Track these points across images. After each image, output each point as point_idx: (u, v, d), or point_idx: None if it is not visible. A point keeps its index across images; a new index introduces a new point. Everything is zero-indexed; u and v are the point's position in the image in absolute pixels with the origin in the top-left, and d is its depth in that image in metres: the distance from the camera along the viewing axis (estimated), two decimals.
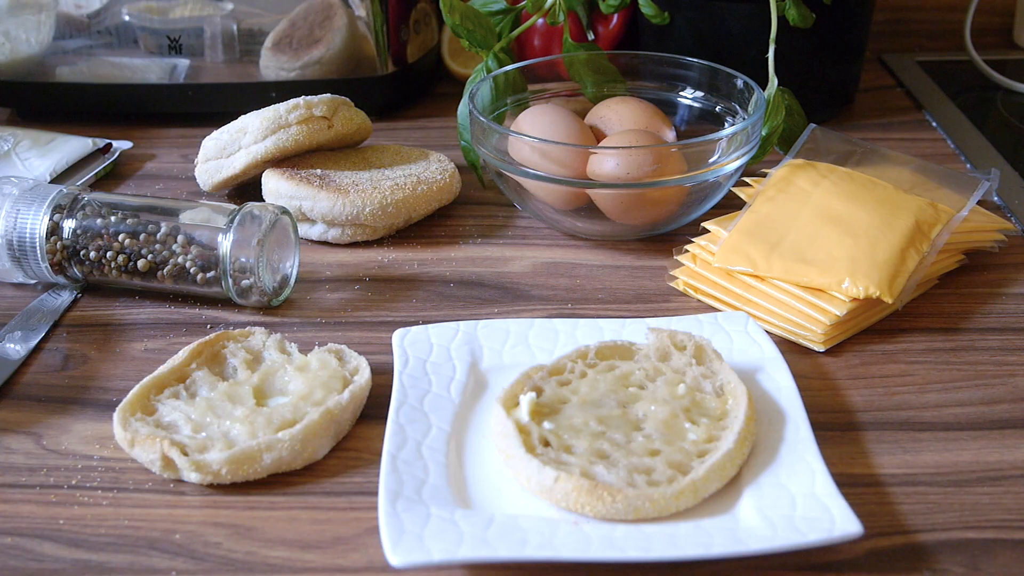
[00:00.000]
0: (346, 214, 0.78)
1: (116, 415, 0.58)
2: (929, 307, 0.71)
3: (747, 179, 0.80)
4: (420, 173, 0.82)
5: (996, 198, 0.84)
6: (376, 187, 0.79)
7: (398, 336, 0.65)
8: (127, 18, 0.96)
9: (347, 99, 0.83)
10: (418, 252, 0.79)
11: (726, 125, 0.83)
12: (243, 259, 0.69)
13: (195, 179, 0.85)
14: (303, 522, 0.54)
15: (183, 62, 0.98)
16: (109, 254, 0.71)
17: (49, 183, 0.80)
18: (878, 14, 0.99)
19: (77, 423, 0.62)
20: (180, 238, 0.70)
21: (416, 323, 0.69)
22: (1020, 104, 1.05)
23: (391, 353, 0.64)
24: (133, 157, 0.95)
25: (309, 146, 0.81)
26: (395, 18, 0.98)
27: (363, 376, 0.61)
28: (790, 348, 0.67)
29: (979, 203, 0.76)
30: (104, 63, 0.98)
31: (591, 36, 1.01)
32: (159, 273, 0.71)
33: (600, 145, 0.79)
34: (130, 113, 1.01)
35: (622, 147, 0.76)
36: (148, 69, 0.98)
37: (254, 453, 0.56)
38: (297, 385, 0.61)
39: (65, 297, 0.73)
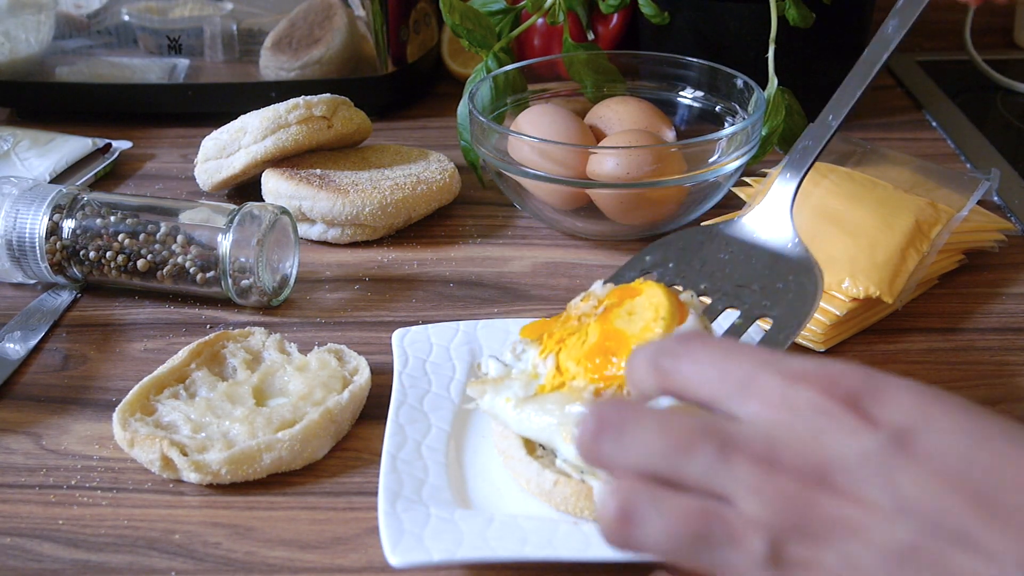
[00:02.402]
0: (346, 214, 0.78)
1: (116, 415, 0.58)
2: (929, 307, 0.71)
3: (747, 179, 0.80)
4: (420, 173, 0.82)
5: (996, 198, 0.83)
6: (376, 187, 0.79)
7: (398, 336, 0.65)
8: (127, 18, 0.96)
9: (347, 99, 0.83)
10: (418, 252, 0.79)
11: (726, 125, 0.83)
12: (243, 259, 0.69)
13: (195, 179, 0.85)
14: (302, 522, 0.54)
15: (183, 62, 0.98)
16: (109, 254, 0.71)
17: (49, 183, 0.80)
18: (878, 14, 0.98)
19: (76, 423, 0.62)
20: (180, 238, 0.70)
21: (416, 323, 0.69)
22: (1020, 104, 1.05)
23: (391, 353, 0.64)
24: (133, 157, 0.95)
25: (309, 146, 0.81)
26: (395, 18, 0.98)
27: (363, 376, 0.61)
28: (790, 348, 0.66)
29: (979, 203, 0.76)
30: (104, 63, 0.98)
31: (591, 36, 1.01)
32: (159, 273, 0.71)
33: (600, 145, 0.79)
34: (130, 113, 1.01)
35: (622, 147, 0.76)
36: (148, 69, 0.98)
37: (254, 453, 0.56)
38: (297, 385, 0.61)
39: (65, 297, 0.73)
